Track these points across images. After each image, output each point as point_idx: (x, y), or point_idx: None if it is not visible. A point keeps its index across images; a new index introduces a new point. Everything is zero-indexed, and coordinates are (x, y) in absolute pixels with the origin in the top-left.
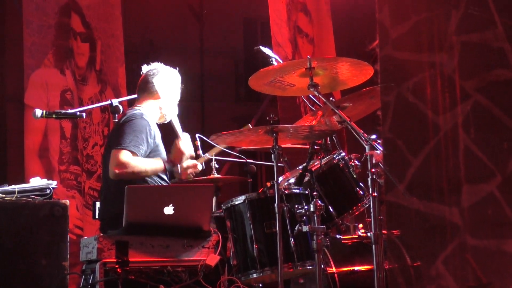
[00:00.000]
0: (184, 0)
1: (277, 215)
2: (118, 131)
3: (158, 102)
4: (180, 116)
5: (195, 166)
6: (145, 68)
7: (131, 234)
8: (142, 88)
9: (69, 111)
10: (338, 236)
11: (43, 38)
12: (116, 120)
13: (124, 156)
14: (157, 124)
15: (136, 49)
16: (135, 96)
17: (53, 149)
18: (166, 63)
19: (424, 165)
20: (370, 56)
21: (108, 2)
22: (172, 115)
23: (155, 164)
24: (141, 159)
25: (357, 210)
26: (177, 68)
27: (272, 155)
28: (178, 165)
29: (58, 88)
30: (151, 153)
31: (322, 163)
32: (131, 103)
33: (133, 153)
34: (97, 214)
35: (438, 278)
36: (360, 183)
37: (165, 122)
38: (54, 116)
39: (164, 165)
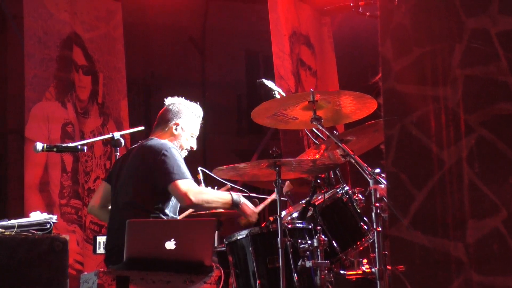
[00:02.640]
0: (186, 32)
1: (280, 250)
2: (164, 165)
3: (172, 139)
4: None
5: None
6: (167, 101)
7: (132, 269)
8: (158, 123)
9: (70, 144)
10: (342, 272)
11: (45, 70)
12: (118, 154)
13: (192, 184)
14: None
15: (138, 82)
16: (138, 128)
17: (54, 183)
18: (168, 96)
19: (429, 200)
20: (373, 89)
21: (110, 35)
22: (184, 153)
23: (223, 195)
24: (208, 189)
25: (361, 245)
26: (198, 102)
27: (275, 189)
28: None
29: (59, 121)
30: None
31: (325, 197)
32: (133, 136)
33: (191, 181)
34: (97, 249)
35: None
36: (364, 218)
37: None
38: (55, 149)
39: (232, 197)
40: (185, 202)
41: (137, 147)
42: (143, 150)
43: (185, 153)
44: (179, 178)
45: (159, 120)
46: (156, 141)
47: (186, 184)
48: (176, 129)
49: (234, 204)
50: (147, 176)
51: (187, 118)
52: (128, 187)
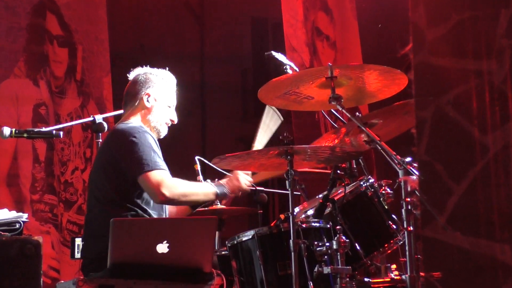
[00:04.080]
0: None
1: (292, 253)
2: (131, 153)
3: (144, 114)
4: (177, 134)
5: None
6: (131, 74)
7: (117, 277)
8: (125, 101)
9: (44, 129)
10: (366, 280)
11: (13, 42)
12: (101, 140)
13: (165, 176)
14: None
15: (124, 56)
16: (121, 111)
17: (24, 175)
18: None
19: (469, 194)
20: (403, 63)
21: (91, 0)
22: (163, 130)
23: (204, 186)
24: (185, 181)
25: (389, 248)
26: (167, 68)
27: (287, 182)
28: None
29: (31, 101)
30: None
31: (346, 191)
32: (118, 119)
33: (165, 171)
34: (76, 253)
35: None
36: (393, 215)
37: (160, 137)
38: (25, 135)
39: (216, 189)
40: (157, 197)
41: (107, 134)
42: (109, 137)
43: (165, 130)
44: (150, 169)
45: (126, 97)
46: (123, 125)
47: (159, 176)
48: (148, 100)
49: (220, 196)
50: (115, 168)
51: (158, 86)
52: (98, 182)
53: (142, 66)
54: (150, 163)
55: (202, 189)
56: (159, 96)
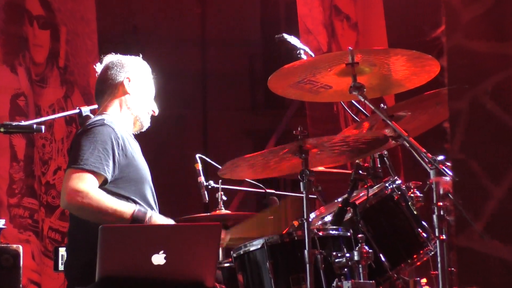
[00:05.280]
0: None
1: (307, 265)
2: (74, 146)
3: (125, 100)
4: (174, 129)
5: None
6: (99, 66)
7: None
8: (100, 90)
9: (23, 123)
10: None
11: None
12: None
13: (84, 180)
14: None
15: (114, 39)
16: None
17: (1, 175)
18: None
19: (510, 196)
20: (434, 47)
21: None
22: (146, 121)
23: (123, 207)
24: (107, 195)
25: (419, 260)
26: (141, 55)
27: (301, 183)
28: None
29: (8, 91)
30: (124, 171)
31: (369, 195)
32: None
33: (96, 175)
34: (60, 264)
35: None
36: (423, 222)
37: (143, 129)
38: (2, 129)
39: (135, 212)
40: (64, 198)
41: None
42: (78, 132)
43: (148, 120)
44: (75, 167)
45: (100, 85)
46: (89, 119)
47: (76, 177)
48: (129, 85)
49: (135, 221)
50: None
51: (138, 72)
52: None
53: (133, 52)
54: (79, 160)
55: (118, 208)
56: (140, 82)
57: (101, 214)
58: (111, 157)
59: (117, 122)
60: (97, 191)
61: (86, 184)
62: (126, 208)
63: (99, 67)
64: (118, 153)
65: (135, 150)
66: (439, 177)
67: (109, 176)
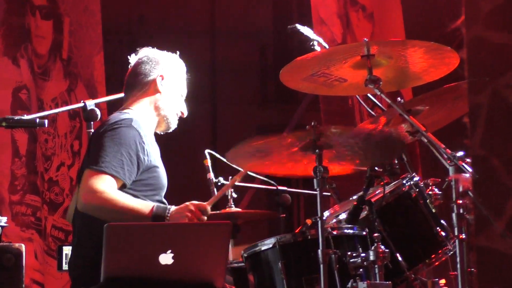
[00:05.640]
0: None
1: (321, 266)
2: (96, 144)
3: (155, 100)
4: (183, 125)
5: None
6: (133, 58)
7: None
8: (131, 83)
9: (25, 117)
10: None
11: None
12: (92, 131)
13: (101, 179)
14: (155, 134)
15: (119, 30)
16: (119, 95)
17: (2, 171)
18: (162, 50)
19: None
20: (454, 38)
21: None
22: (174, 122)
23: (142, 205)
24: (125, 194)
25: (437, 260)
26: (178, 52)
27: (315, 180)
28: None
29: (9, 84)
30: (144, 175)
31: (386, 192)
32: (113, 105)
33: (116, 178)
34: (64, 264)
35: None
36: (441, 221)
37: (169, 130)
38: (3, 124)
39: (154, 208)
40: (80, 199)
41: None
42: (95, 130)
43: (175, 122)
44: (95, 169)
45: (131, 79)
46: (118, 114)
47: (94, 178)
48: (161, 84)
49: (155, 217)
50: None
51: (172, 70)
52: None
53: (140, 43)
54: (101, 161)
55: (137, 207)
56: (173, 81)
57: (119, 213)
58: (134, 162)
59: (142, 121)
60: (114, 190)
61: (104, 184)
62: (144, 205)
63: (133, 59)
64: (143, 158)
65: (156, 154)
66: (459, 174)
67: (128, 182)
